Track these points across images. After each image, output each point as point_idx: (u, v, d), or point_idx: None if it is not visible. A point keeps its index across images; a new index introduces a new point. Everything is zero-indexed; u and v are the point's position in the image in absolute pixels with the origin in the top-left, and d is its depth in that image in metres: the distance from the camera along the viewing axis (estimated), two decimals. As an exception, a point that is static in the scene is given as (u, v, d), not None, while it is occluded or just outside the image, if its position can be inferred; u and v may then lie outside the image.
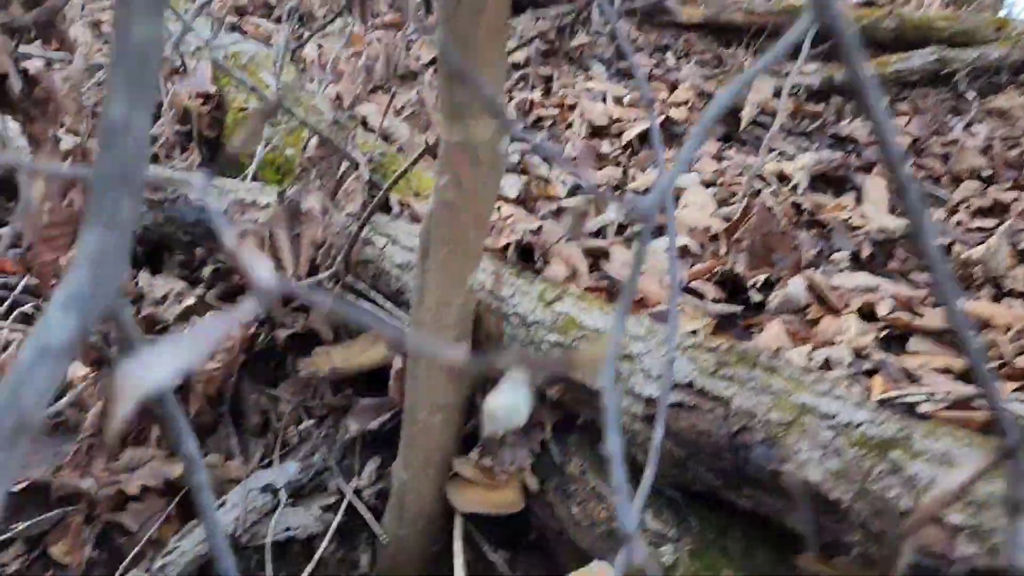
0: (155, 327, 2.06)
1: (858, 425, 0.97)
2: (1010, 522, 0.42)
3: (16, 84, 0.94)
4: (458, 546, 1.40)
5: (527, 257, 1.57)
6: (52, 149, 1.05)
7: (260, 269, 0.31)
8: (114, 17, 0.32)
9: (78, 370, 1.73)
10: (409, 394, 1.45)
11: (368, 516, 1.60)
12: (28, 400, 0.35)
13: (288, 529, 1.71)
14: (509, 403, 0.36)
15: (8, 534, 1.49)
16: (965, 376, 1.74)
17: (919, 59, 3.71)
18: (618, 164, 3.02)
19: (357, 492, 1.71)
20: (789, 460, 0.98)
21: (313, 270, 1.70)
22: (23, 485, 1.54)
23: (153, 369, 0.27)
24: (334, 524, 1.67)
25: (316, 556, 1.60)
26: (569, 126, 3.40)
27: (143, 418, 1.68)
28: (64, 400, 1.50)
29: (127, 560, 1.55)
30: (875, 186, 2.88)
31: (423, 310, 1.38)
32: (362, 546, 1.76)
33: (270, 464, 1.77)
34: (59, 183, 1.05)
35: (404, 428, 1.48)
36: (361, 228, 1.60)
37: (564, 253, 1.67)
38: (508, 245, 1.58)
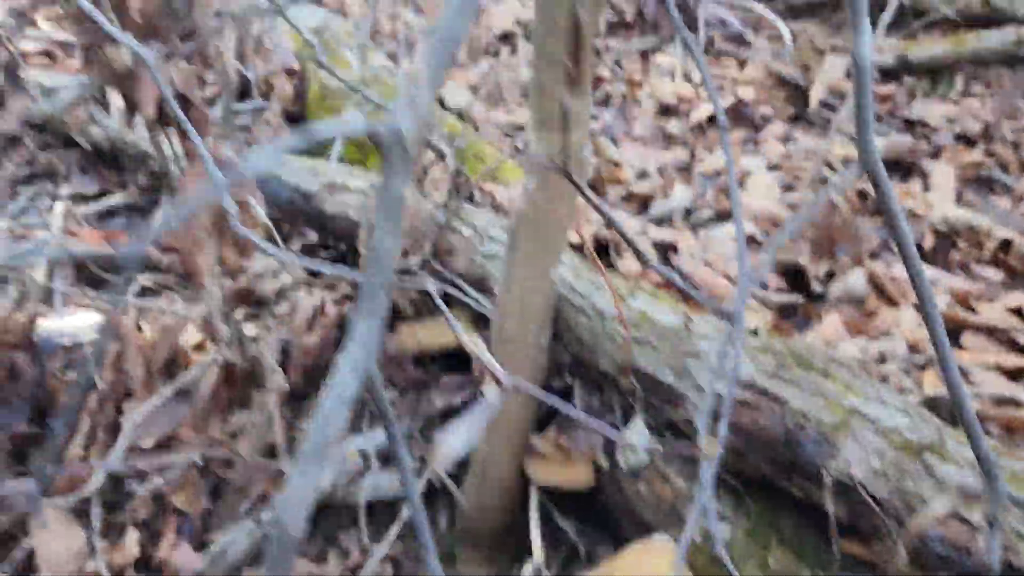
0: (251, 300, 2.26)
1: (899, 430, 1.09)
2: (989, 533, 0.55)
3: (174, 105, 1.10)
4: (534, 516, 1.57)
5: (601, 251, 1.70)
6: (198, 162, 1.21)
7: (494, 366, 0.46)
8: (381, 176, 0.47)
9: (189, 339, 1.93)
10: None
11: (449, 482, 1.77)
12: (331, 432, 0.52)
13: (376, 490, 1.91)
14: (644, 444, 0.50)
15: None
16: (1015, 375, 1.83)
17: (998, 38, 3.66)
18: (685, 145, 3.10)
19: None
20: (837, 458, 1.11)
21: (403, 256, 1.85)
22: (151, 443, 1.75)
23: (456, 440, 0.43)
24: (419, 487, 1.85)
25: (402, 516, 1.78)
26: (638, 104, 3.48)
27: (250, 386, 1.87)
28: (194, 373, 1.69)
29: (240, 512, 1.75)
30: (942, 173, 2.91)
31: (509, 300, 1.53)
32: (441, 507, 1.94)
33: (359, 431, 1.96)
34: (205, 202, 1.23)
35: (486, 406, 1.64)
36: (450, 217, 1.74)
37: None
38: (583, 241, 1.70)
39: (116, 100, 2.91)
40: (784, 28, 3.73)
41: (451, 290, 1.79)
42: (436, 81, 0.52)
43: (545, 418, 1.65)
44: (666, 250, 1.91)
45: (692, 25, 4.00)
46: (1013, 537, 0.92)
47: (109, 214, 2.68)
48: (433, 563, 0.69)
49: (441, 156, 2.01)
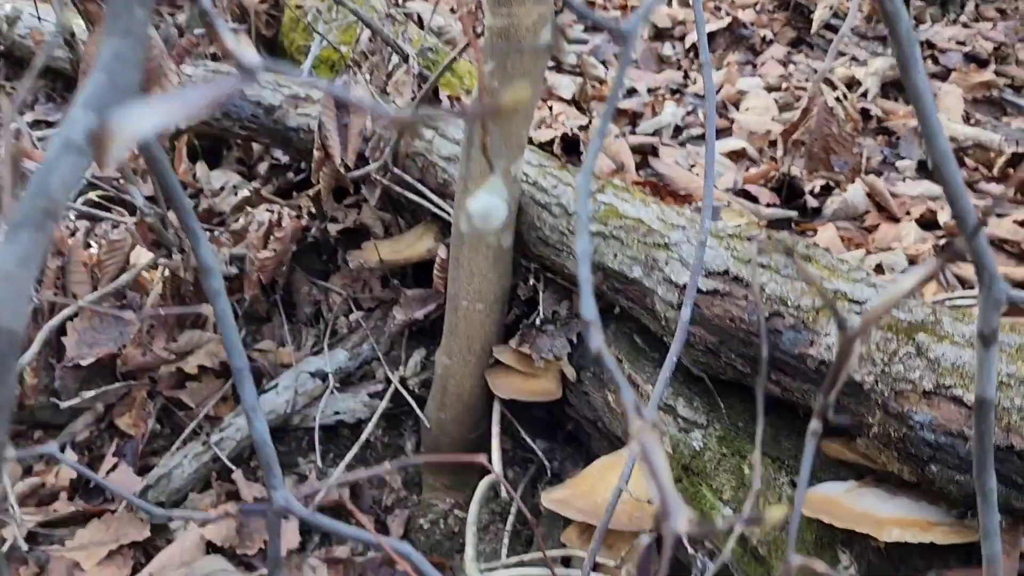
0: (213, 218, 2.13)
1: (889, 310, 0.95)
2: (981, 352, 0.42)
3: None
4: (495, 429, 1.45)
5: (573, 151, 1.56)
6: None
7: (243, 50, 0.33)
8: None
9: (141, 256, 1.80)
10: (452, 284, 1.48)
11: (412, 402, 1.65)
12: (55, 186, 0.38)
13: (337, 413, 1.79)
14: (488, 204, 0.36)
15: (77, 401, 1.59)
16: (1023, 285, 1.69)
17: (1011, -40, 3.47)
18: (679, 67, 2.94)
19: (403, 380, 1.76)
20: (816, 343, 0.98)
21: (362, 161, 1.72)
22: (92, 359, 1.63)
23: (144, 119, 0.29)
24: (380, 409, 1.74)
25: (362, 438, 1.66)
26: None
27: (199, 301, 1.75)
28: (124, 278, 1.56)
29: (186, 433, 1.64)
30: (950, 94, 2.75)
31: (467, 197, 1.40)
32: (407, 432, 1.83)
33: (320, 352, 1.84)
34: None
35: (447, 317, 1.51)
36: (410, 122, 1.60)
37: (612, 148, 1.65)
38: (554, 139, 1.56)
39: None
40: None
41: (413, 196, 1.66)
42: None
43: (509, 330, 1.52)
44: (646, 154, 1.76)
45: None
46: (1015, 416, 0.79)
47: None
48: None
49: (405, 59, 1.86)
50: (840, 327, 0.39)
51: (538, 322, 1.41)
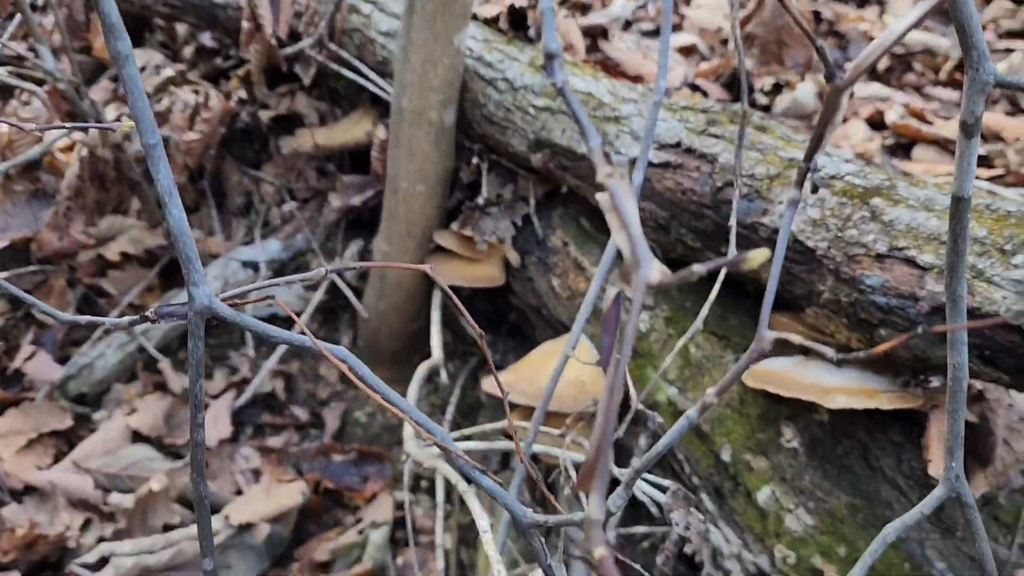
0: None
1: (844, 176, 0.92)
2: (962, 142, 0.38)
3: None
4: (435, 315, 1.40)
5: (520, 26, 1.48)
6: None
7: None
8: None
9: (53, 134, 1.68)
10: (391, 165, 1.41)
11: (349, 293, 1.59)
12: None
13: (271, 306, 1.72)
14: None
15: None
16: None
17: None
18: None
19: (338, 273, 1.70)
20: (770, 212, 0.95)
21: (296, 37, 1.61)
22: (3, 244, 1.53)
23: None
24: (314, 301, 1.67)
25: (296, 328, 1.60)
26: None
27: (121, 186, 1.64)
28: (36, 151, 1.45)
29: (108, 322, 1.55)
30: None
31: (408, 69, 1.31)
32: (344, 326, 1.77)
33: (251, 243, 1.76)
34: None
35: (386, 201, 1.44)
36: (345, -9, 1.50)
37: (561, 28, 1.58)
38: (500, 14, 1.48)
39: None
40: None
41: (348, 73, 1.56)
42: None
43: (451, 215, 1.46)
44: (596, 37, 1.69)
45: None
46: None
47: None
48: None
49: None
50: (828, 78, 0.34)
51: (481, 203, 1.35)
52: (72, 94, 1.36)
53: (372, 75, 1.54)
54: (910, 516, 0.59)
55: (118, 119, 1.63)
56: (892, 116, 1.93)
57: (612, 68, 1.42)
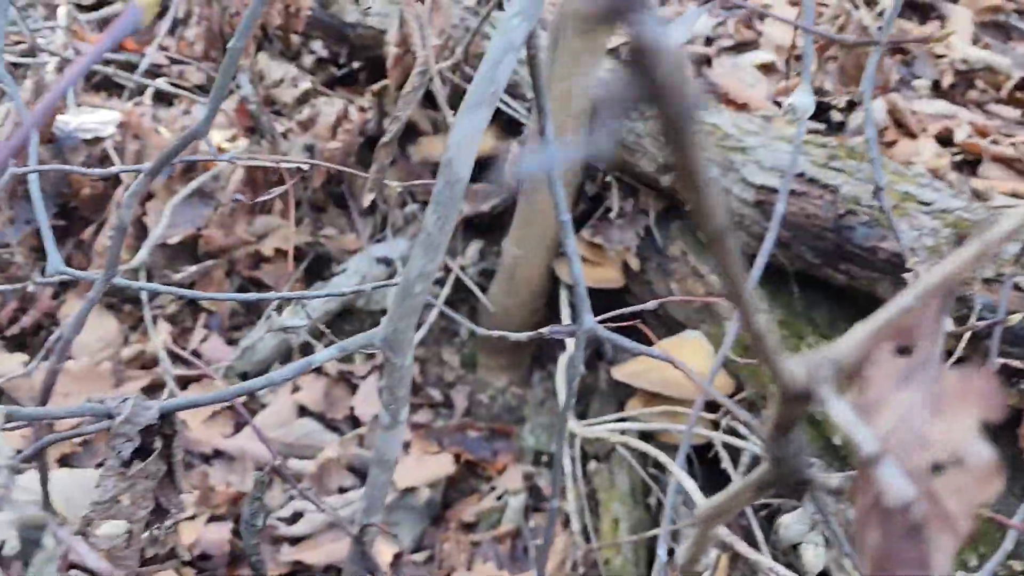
0: (272, 106, 2.20)
1: (953, 211, 1.11)
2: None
3: None
4: (565, 311, 1.60)
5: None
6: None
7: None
8: None
9: (214, 137, 1.89)
10: (531, 179, 1.60)
11: (475, 288, 1.80)
12: (500, 77, 0.52)
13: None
14: (806, 102, 0.50)
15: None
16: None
17: None
18: (703, -21, 3.00)
19: (462, 268, 1.90)
20: (889, 238, 1.14)
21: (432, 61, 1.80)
22: (177, 239, 1.74)
23: (673, 32, 0.42)
24: (443, 295, 1.88)
25: (431, 319, 1.81)
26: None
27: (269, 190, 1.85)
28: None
29: (269, 311, 1.77)
30: (960, 15, 2.87)
31: (548, 98, 1.51)
32: (462, 316, 1.98)
33: (382, 240, 1.96)
34: None
35: (520, 209, 1.64)
36: (483, 21, 1.69)
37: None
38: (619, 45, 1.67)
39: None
40: None
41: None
42: None
43: (580, 219, 1.66)
44: (700, 64, 1.88)
45: None
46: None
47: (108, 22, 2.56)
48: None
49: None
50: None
51: (611, 216, 1.55)
52: (257, 113, 1.57)
53: (503, 95, 1.74)
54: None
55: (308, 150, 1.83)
56: (959, 135, 2.10)
57: (722, 96, 1.61)
